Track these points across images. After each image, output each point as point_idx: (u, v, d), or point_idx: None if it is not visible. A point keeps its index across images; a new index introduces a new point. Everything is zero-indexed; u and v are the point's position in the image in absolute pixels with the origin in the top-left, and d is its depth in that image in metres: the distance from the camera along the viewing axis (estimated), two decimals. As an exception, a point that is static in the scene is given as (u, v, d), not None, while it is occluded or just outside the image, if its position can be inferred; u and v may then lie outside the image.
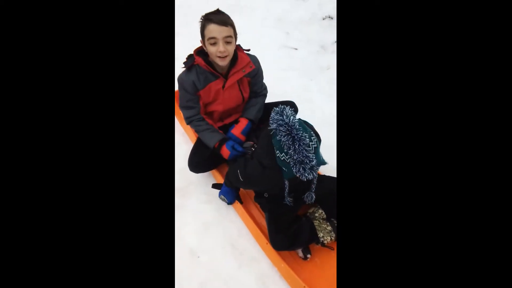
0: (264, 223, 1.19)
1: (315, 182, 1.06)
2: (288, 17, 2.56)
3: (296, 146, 0.80)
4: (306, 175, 0.83)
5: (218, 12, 1.12)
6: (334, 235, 1.12)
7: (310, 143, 0.83)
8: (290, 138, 0.80)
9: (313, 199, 1.09)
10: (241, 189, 1.32)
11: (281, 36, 2.40)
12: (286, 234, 1.08)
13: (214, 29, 1.09)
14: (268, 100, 1.42)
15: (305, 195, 1.10)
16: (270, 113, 0.91)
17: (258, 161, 0.97)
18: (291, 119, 0.82)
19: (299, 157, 0.81)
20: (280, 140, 0.83)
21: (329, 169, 1.41)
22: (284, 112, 0.84)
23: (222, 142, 1.24)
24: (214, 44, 1.11)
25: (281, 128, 0.82)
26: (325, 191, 1.16)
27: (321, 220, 1.15)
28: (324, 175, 1.25)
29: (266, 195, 1.14)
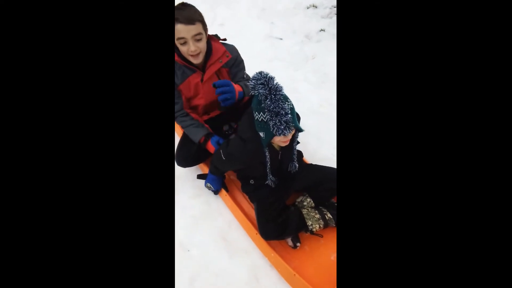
0: (253, 214, 1.19)
1: (295, 153, 1.10)
2: (272, 7, 2.53)
3: (273, 96, 0.86)
4: (282, 128, 0.88)
5: (183, 7, 1.05)
6: (322, 223, 1.13)
7: (286, 102, 0.89)
8: (267, 89, 0.86)
9: (296, 167, 1.13)
10: (226, 177, 1.33)
11: (266, 27, 2.37)
12: (275, 224, 1.09)
13: (181, 29, 1.04)
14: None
15: (289, 166, 1.13)
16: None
17: (239, 136, 1.03)
18: (269, 75, 0.88)
19: (275, 108, 0.86)
20: (258, 95, 0.89)
21: (321, 158, 1.42)
22: (263, 72, 0.90)
23: (207, 137, 1.23)
24: (184, 43, 1.08)
25: (259, 82, 0.87)
26: (313, 180, 1.17)
27: (309, 209, 1.16)
28: (311, 164, 1.26)
29: (252, 181, 1.15)
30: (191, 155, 1.30)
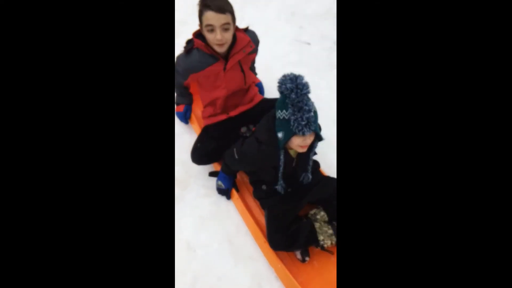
0: (263, 221, 1.15)
1: (310, 163, 1.06)
2: (302, 12, 2.49)
3: (299, 90, 0.87)
4: (303, 124, 0.87)
5: None
6: (335, 239, 1.08)
7: (310, 100, 0.91)
8: (294, 83, 0.88)
9: (310, 179, 1.09)
10: (239, 180, 1.31)
11: (294, 30, 2.33)
12: (285, 234, 1.05)
13: (211, 17, 1.06)
14: (276, 95, 1.38)
15: (302, 176, 1.09)
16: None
17: (255, 137, 1.02)
18: (298, 74, 0.90)
19: (299, 103, 0.87)
20: (283, 92, 0.90)
21: (334, 170, 1.36)
22: (292, 73, 0.91)
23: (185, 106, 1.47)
24: (211, 31, 1.09)
25: (287, 78, 0.89)
26: (329, 193, 1.12)
27: (322, 223, 1.11)
28: (328, 177, 1.20)
29: (264, 187, 1.12)
30: (207, 153, 1.30)
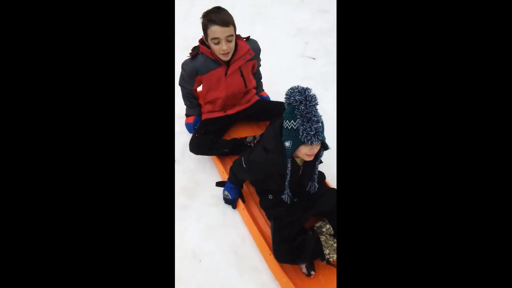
0: (269, 232, 1.16)
1: (316, 172, 1.09)
2: (308, 28, 2.56)
3: (308, 102, 0.91)
4: (312, 134, 0.90)
5: (219, 10, 1.19)
6: (340, 252, 1.07)
7: (317, 112, 0.94)
8: (303, 95, 0.91)
9: (316, 188, 1.12)
10: (245, 190, 1.32)
11: (300, 46, 2.39)
12: (290, 246, 1.05)
13: (217, 30, 1.17)
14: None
15: (308, 185, 1.11)
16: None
17: (263, 146, 1.05)
18: (306, 87, 0.94)
19: (308, 114, 0.90)
20: (292, 103, 0.93)
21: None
22: (299, 85, 0.95)
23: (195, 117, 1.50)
24: (217, 43, 1.20)
25: (295, 90, 0.93)
26: (334, 205, 1.12)
27: (328, 236, 1.10)
28: (334, 189, 1.21)
29: (270, 196, 1.13)
30: (205, 144, 1.38)
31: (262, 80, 1.63)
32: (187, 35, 2.18)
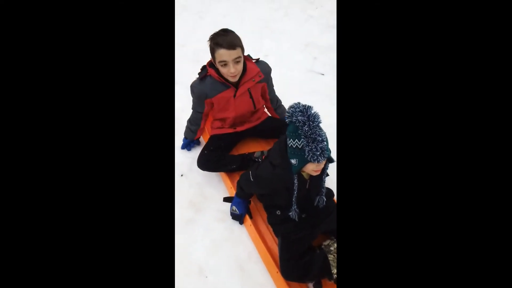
0: (276, 249, 1.15)
1: (324, 185, 1.08)
2: (316, 43, 2.60)
3: (311, 122, 0.89)
4: (318, 154, 0.89)
5: (225, 33, 1.18)
6: (349, 272, 1.05)
7: (321, 130, 0.92)
8: (306, 115, 0.90)
9: (324, 202, 1.11)
10: (253, 206, 1.32)
11: (309, 61, 2.43)
12: (297, 263, 1.03)
13: (224, 54, 1.17)
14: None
15: (316, 200, 1.10)
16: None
17: (270, 161, 1.05)
18: (307, 105, 0.92)
19: (313, 134, 0.89)
20: (295, 123, 0.91)
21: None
22: (300, 102, 0.93)
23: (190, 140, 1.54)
24: (225, 65, 1.20)
25: (297, 110, 0.90)
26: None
27: (336, 255, 1.08)
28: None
29: (278, 212, 1.12)
30: (213, 161, 1.38)
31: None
32: (196, 48, 2.24)
